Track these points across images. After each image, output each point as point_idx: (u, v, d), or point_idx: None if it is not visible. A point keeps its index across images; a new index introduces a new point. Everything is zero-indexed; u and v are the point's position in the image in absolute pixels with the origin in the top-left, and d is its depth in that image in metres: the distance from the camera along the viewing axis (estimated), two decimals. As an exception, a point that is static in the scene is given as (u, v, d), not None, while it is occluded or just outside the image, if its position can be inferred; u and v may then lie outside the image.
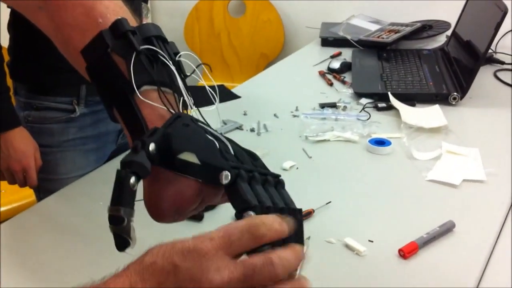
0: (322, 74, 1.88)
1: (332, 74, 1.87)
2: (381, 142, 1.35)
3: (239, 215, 0.50)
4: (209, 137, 0.54)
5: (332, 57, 2.03)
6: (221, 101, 0.60)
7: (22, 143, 1.26)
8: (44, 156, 1.32)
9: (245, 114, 1.52)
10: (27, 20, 1.28)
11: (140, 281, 0.43)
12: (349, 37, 2.12)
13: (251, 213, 0.50)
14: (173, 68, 0.57)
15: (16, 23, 1.34)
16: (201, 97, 0.61)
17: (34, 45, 1.34)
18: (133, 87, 0.54)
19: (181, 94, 0.58)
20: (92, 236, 1.02)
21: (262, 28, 2.90)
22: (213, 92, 0.60)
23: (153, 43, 0.58)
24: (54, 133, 1.36)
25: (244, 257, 0.46)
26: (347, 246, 1.00)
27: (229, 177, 0.51)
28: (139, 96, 0.55)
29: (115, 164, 1.35)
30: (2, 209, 1.87)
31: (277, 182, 0.59)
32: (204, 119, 0.60)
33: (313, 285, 0.90)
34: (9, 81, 1.32)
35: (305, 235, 1.01)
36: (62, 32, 0.62)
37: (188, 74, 0.60)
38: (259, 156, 0.63)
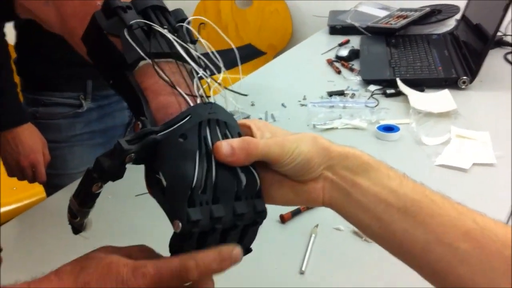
0: (330, 62, 1.86)
1: (340, 62, 1.86)
2: (389, 128, 1.34)
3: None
4: (197, 160, 0.48)
5: (340, 45, 2.01)
6: (246, 60, 0.57)
7: (31, 139, 1.26)
8: (52, 151, 1.33)
9: (252, 105, 1.51)
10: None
11: (72, 283, 0.44)
12: (357, 24, 2.10)
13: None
14: (169, 36, 0.54)
15: (22, 20, 1.34)
16: (225, 61, 0.57)
17: (40, 41, 1.34)
18: (127, 64, 0.53)
19: (185, 61, 0.55)
20: (100, 229, 1.01)
21: (269, 18, 2.88)
22: (217, 58, 0.56)
23: (149, 14, 0.55)
24: (61, 128, 1.36)
25: None
26: (356, 233, 1.00)
27: (179, 229, 0.47)
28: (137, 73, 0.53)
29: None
30: (14, 206, 1.89)
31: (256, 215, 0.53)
32: (225, 88, 0.55)
33: (325, 274, 0.90)
34: (16, 78, 1.32)
35: (314, 223, 1.02)
36: (67, 24, 0.61)
37: (196, 40, 0.57)
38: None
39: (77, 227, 0.52)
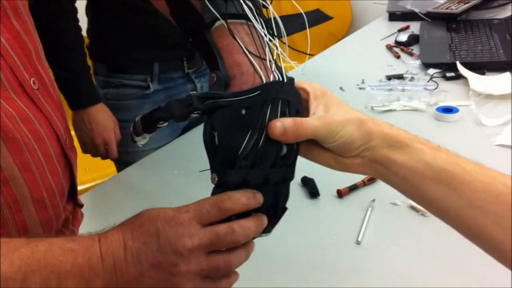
0: (389, 48, 1.87)
1: (400, 47, 1.86)
2: (448, 110, 1.35)
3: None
4: (248, 135, 0.54)
5: (400, 30, 2.01)
6: (314, 24, 0.60)
7: (103, 118, 1.34)
8: (123, 130, 1.40)
9: (311, 88, 1.54)
10: (102, 4, 1.38)
11: (131, 238, 0.52)
12: (417, 10, 2.09)
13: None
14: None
15: (93, 7, 1.43)
16: (294, 25, 0.60)
17: (110, 27, 1.42)
18: (205, 23, 0.57)
19: (260, 24, 0.58)
20: (167, 201, 1.08)
21: (328, 5, 2.89)
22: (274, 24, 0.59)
23: None
24: (131, 108, 1.44)
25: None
26: (412, 208, 1.02)
27: (215, 182, 0.55)
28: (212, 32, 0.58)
29: (188, 137, 1.43)
30: (87, 185, 2.00)
31: (284, 181, 0.60)
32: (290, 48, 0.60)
33: (381, 245, 0.93)
34: (88, 62, 1.41)
35: (371, 198, 1.05)
36: None
37: (268, 4, 0.60)
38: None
39: (133, 141, 0.59)
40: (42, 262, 0.50)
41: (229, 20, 0.57)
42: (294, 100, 0.58)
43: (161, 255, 0.51)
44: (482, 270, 0.84)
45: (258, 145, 0.54)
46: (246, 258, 0.57)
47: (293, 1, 0.63)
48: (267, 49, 0.58)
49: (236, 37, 0.57)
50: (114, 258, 0.51)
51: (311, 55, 0.64)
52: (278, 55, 0.60)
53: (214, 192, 0.55)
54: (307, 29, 0.67)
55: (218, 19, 0.58)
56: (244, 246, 0.56)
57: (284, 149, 0.57)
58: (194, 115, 0.54)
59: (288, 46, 0.60)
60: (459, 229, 0.54)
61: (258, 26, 0.58)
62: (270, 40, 0.59)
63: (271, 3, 0.60)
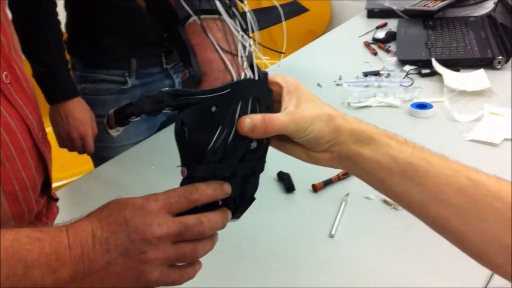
0: (366, 44, 1.89)
1: (377, 44, 1.88)
2: (422, 106, 1.37)
3: None
4: (217, 132, 0.55)
5: (378, 27, 2.03)
6: (290, 16, 0.61)
7: (80, 113, 1.34)
8: (100, 125, 1.40)
9: (289, 84, 1.55)
10: (80, 0, 1.37)
11: (99, 228, 0.53)
12: (395, 7, 2.12)
13: None
14: None
15: (71, 2, 1.42)
16: (269, 17, 0.61)
17: (88, 23, 1.42)
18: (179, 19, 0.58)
19: (234, 18, 0.59)
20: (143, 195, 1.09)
21: (308, 4, 2.90)
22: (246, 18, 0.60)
23: None
24: (108, 104, 1.44)
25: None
26: (385, 201, 1.04)
27: (184, 175, 0.56)
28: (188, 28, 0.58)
29: (165, 133, 1.44)
30: (64, 182, 1.99)
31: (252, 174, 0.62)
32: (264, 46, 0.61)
33: (353, 238, 0.95)
34: (66, 57, 1.40)
35: (345, 192, 1.06)
36: None
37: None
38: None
39: (109, 132, 0.61)
40: (9, 251, 0.50)
41: (202, 16, 0.58)
42: (265, 96, 0.59)
43: (129, 243, 0.52)
44: (453, 264, 0.86)
45: (227, 141, 0.56)
46: (211, 248, 0.58)
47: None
48: (239, 45, 0.59)
49: (209, 34, 0.57)
50: (82, 248, 0.52)
51: (283, 53, 0.65)
52: (253, 50, 0.61)
53: (182, 184, 0.57)
54: (283, 22, 0.68)
55: (192, 15, 0.58)
56: (209, 236, 0.57)
57: (254, 144, 0.58)
58: (165, 111, 0.55)
59: (260, 44, 0.61)
60: (424, 221, 0.56)
61: (230, 22, 0.59)
62: (243, 36, 0.59)
63: None
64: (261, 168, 0.61)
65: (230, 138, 0.56)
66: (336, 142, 0.57)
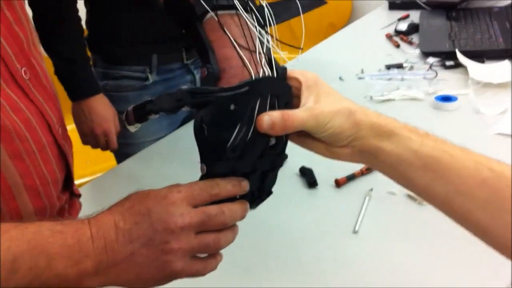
0: (388, 37, 1.87)
1: (399, 36, 1.86)
2: (447, 99, 1.34)
3: None
4: (237, 129, 0.55)
5: (400, 19, 2.00)
6: (307, 10, 0.60)
7: (103, 109, 1.35)
8: (122, 122, 1.41)
9: (310, 78, 1.54)
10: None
11: (122, 220, 0.53)
12: (417, -2, 2.09)
13: None
14: None
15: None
16: (287, 11, 0.61)
17: (108, 19, 1.42)
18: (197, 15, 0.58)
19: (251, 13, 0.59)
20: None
21: (329, -3, 2.89)
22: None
23: None
24: (129, 100, 1.44)
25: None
26: (409, 196, 1.02)
27: (203, 172, 0.57)
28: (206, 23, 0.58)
29: (187, 129, 1.43)
30: (88, 178, 2.01)
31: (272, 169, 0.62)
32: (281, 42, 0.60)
33: (377, 234, 0.93)
34: (88, 54, 1.41)
35: (368, 187, 1.05)
36: None
37: None
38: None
39: (128, 128, 0.61)
40: (32, 243, 0.50)
41: (219, 12, 0.58)
42: (283, 93, 0.59)
43: (152, 233, 0.52)
44: (480, 260, 0.84)
45: (246, 138, 0.55)
46: (233, 239, 0.58)
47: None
48: (257, 41, 0.59)
49: (226, 31, 0.57)
50: (105, 239, 0.52)
51: (301, 48, 0.65)
52: (272, 45, 0.60)
53: (201, 179, 0.57)
54: (301, 15, 0.67)
55: (209, 11, 0.58)
56: (230, 228, 0.57)
57: (273, 140, 0.58)
58: (184, 109, 0.56)
59: (278, 40, 0.61)
60: (448, 215, 0.55)
61: (247, 18, 0.58)
62: (260, 31, 0.59)
63: None
64: (280, 163, 0.61)
65: (249, 136, 0.55)
66: (356, 137, 0.56)
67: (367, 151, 0.56)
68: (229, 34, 0.57)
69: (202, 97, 0.55)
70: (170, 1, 0.64)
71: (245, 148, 0.56)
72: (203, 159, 0.57)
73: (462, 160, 0.52)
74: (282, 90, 0.59)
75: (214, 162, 0.56)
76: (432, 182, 0.53)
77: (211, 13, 0.58)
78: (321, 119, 0.55)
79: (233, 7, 0.58)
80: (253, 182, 0.58)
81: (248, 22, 0.59)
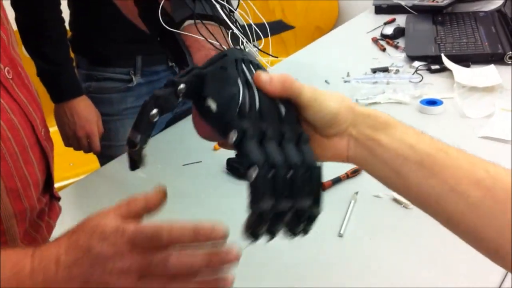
0: (374, 41, 1.87)
1: (385, 40, 1.86)
2: (432, 102, 1.35)
3: (244, 172, 0.51)
4: (240, 85, 0.53)
5: (386, 23, 2.01)
6: (274, 33, 0.61)
7: (86, 111, 1.33)
8: (105, 124, 1.39)
9: (296, 81, 1.53)
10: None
11: (64, 254, 0.51)
12: (403, 3, 2.09)
13: (256, 169, 0.49)
14: (213, 0, 0.59)
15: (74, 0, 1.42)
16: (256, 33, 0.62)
17: (91, 20, 1.41)
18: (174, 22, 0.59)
19: (227, 27, 0.60)
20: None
21: (316, 1, 2.89)
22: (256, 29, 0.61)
23: None
24: (113, 102, 1.43)
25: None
26: (395, 200, 1.02)
27: (234, 138, 0.51)
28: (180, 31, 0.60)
29: (171, 131, 1.42)
30: (71, 181, 1.98)
31: (299, 138, 0.56)
32: (258, 49, 0.61)
33: (363, 237, 0.93)
34: (71, 55, 1.39)
35: (354, 191, 1.04)
36: None
37: (235, 9, 0.62)
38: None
39: (135, 157, 0.57)
40: None
41: (198, 21, 0.59)
42: (260, 66, 0.58)
43: (90, 273, 0.50)
44: (465, 264, 0.84)
45: (255, 100, 0.53)
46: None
47: (254, 8, 0.65)
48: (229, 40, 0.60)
49: (201, 32, 0.58)
50: (44, 274, 0.51)
51: (276, 57, 0.65)
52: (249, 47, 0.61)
53: (237, 148, 0.52)
54: (269, 37, 0.68)
55: (187, 19, 0.59)
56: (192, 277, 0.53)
57: (282, 109, 0.55)
58: (180, 100, 0.53)
59: (256, 47, 0.62)
60: (437, 216, 0.54)
61: (233, 27, 0.60)
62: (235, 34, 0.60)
63: (237, 8, 0.62)
64: (303, 134, 0.56)
65: (256, 96, 0.54)
66: (352, 123, 0.55)
67: (363, 144, 0.55)
68: (204, 35, 0.58)
69: (195, 69, 0.53)
70: (145, 10, 0.63)
71: (260, 109, 0.53)
72: (226, 129, 0.51)
73: (457, 159, 0.52)
74: (254, 58, 0.58)
75: (238, 122, 0.51)
76: (426, 180, 0.52)
77: (189, 21, 0.59)
78: (318, 93, 0.54)
79: (210, 16, 0.59)
80: (290, 153, 0.53)
81: (223, 30, 0.60)
